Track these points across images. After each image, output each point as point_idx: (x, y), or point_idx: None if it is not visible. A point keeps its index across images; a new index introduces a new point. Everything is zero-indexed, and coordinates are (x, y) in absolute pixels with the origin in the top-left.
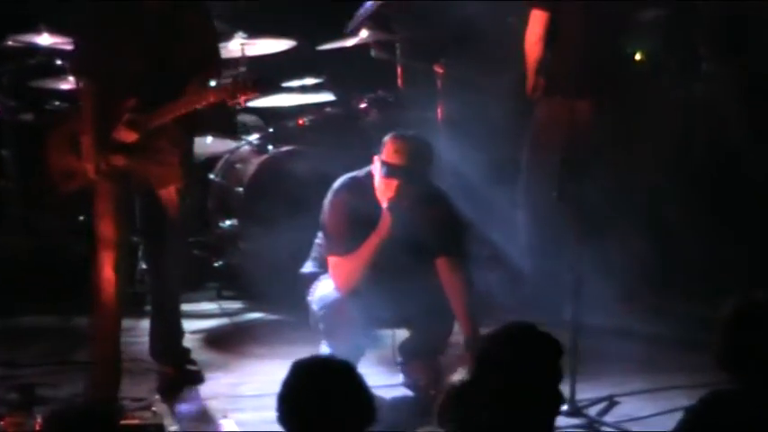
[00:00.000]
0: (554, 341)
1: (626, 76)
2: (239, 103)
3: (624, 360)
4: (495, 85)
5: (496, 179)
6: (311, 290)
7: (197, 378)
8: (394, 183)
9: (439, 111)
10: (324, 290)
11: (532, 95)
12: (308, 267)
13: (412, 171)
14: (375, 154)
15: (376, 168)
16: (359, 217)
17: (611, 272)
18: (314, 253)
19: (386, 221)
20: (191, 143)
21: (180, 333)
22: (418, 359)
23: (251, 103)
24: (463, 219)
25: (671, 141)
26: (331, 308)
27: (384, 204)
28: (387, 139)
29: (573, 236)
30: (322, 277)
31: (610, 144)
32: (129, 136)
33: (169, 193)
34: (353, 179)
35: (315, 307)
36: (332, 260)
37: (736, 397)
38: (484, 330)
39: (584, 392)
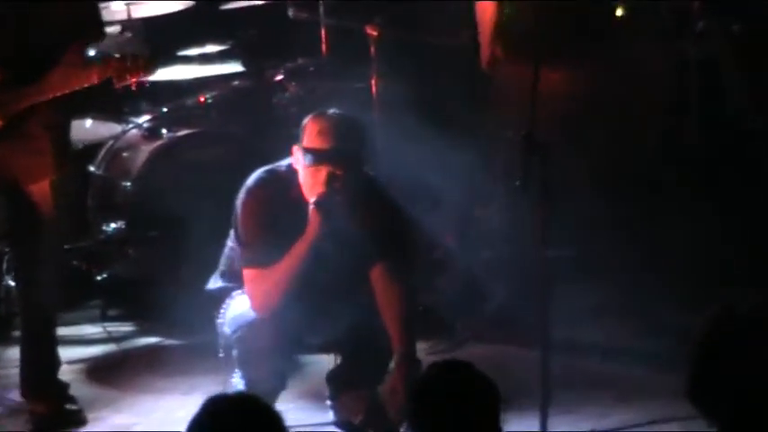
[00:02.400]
0: (489, 382)
1: (603, 35)
2: (129, 86)
3: (608, 386)
4: (441, 49)
5: (445, 166)
6: (221, 309)
7: (77, 419)
8: (322, 172)
9: (373, 82)
10: (238, 308)
11: (489, 67)
12: (215, 282)
13: (342, 155)
14: (294, 141)
15: (298, 161)
16: (281, 220)
17: (589, 278)
18: (222, 266)
19: (314, 222)
20: (67, 126)
21: (56, 363)
22: (351, 391)
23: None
24: (404, 215)
25: (658, 114)
26: (248, 330)
27: (311, 201)
28: (306, 120)
29: (538, 233)
30: (235, 293)
31: (583, 119)
32: None
33: (41, 188)
34: (272, 173)
35: (227, 330)
36: (248, 273)
37: None
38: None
39: (560, 426)
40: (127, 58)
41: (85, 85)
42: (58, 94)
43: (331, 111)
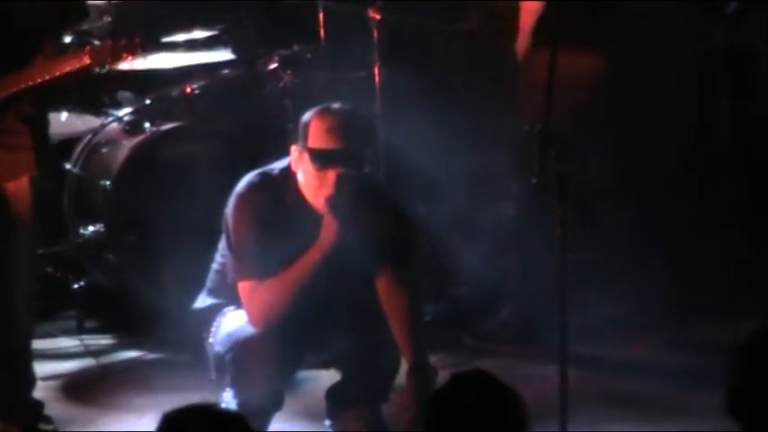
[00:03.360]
0: (511, 393)
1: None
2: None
3: (632, 403)
4: (452, 33)
5: (453, 163)
6: (212, 328)
7: None
8: (330, 174)
9: (375, 71)
10: (232, 324)
11: (525, 61)
12: (203, 301)
13: (353, 154)
14: (288, 135)
15: (298, 162)
16: (276, 227)
17: (608, 284)
18: (210, 282)
19: (330, 229)
20: (46, 120)
21: (30, 380)
22: (352, 410)
23: (119, 66)
24: (409, 217)
25: (683, 108)
26: (245, 347)
27: (321, 205)
28: (309, 117)
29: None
30: (226, 310)
31: (601, 112)
32: None
33: (19, 186)
34: (264, 176)
35: (220, 348)
36: (244, 286)
37: None
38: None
39: None
40: (121, 39)
41: (77, 68)
42: (48, 78)
43: (335, 105)
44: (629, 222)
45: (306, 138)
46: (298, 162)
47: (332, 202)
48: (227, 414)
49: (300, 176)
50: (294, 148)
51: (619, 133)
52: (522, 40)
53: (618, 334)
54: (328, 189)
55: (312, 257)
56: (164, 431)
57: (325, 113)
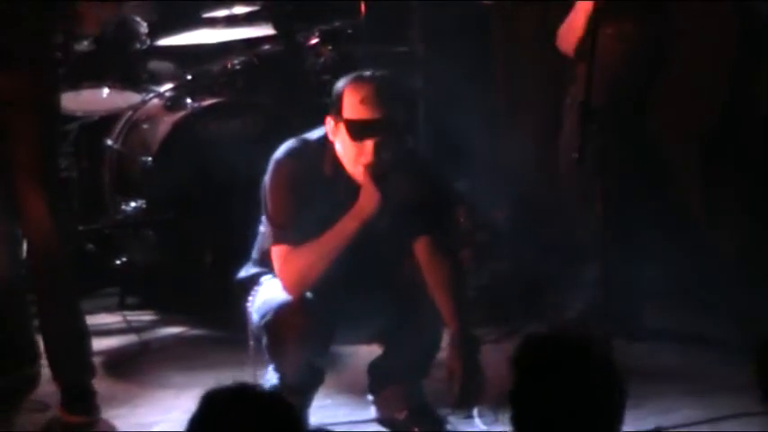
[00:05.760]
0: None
1: None
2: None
3: (673, 377)
4: (493, 8)
5: (499, 138)
6: (252, 296)
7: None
8: (369, 144)
9: (416, 45)
10: (269, 292)
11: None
12: (246, 271)
13: (390, 123)
14: (328, 109)
15: (334, 132)
16: (314, 195)
17: (650, 258)
18: (255, 253)
19: (371, 198)
20: None
21: (83, 336)
22: (394, 385)
23: (160, 42)
24: (450, 190)
25: (720, 85)
26: (279, 315)
27: (360, 174)
28: (342, 87)
29: (596, 211)
30: (263, 278)
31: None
32: None
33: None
34: (303, 143)
35: (256, 316)
36: (278, 251)
37: None
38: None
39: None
40: None
41: None
42: None
43: (368, 73)
44: (666, 193)
45: (340, 108)
46: (334, 132)
47: (372, 170)
48: (272, 396)
49: (338, 146)
50: (329, 119)
51: (655, 103)
52: (575, 30)
53: (660, 309)
54: (367, 158)
55: (349, 225)
56: (204, 412)
57: (358, 82)
